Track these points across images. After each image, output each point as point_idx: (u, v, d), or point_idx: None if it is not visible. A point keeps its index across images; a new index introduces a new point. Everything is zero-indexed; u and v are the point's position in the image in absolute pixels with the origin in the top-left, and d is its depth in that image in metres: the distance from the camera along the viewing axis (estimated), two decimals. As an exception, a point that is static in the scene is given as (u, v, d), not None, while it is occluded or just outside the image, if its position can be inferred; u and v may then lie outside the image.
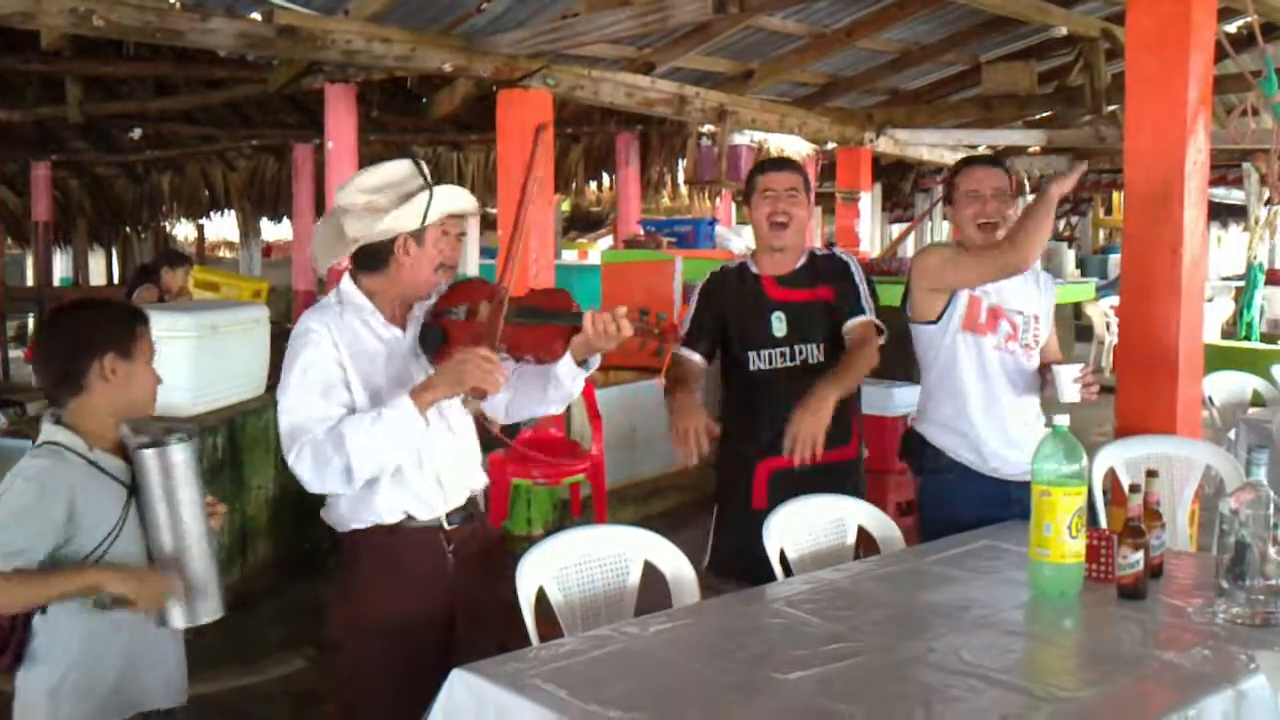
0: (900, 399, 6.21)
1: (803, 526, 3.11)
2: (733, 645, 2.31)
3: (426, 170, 2.56)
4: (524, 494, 6.11)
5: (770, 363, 3.41)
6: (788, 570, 2.97)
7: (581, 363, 2.57)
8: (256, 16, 5.32)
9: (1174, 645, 2.32)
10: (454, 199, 2.55)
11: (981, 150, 11.48)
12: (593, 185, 12.30)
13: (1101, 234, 19.64)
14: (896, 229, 16.72)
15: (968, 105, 9.12)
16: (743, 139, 9.06)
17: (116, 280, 16.23)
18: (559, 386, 2.61)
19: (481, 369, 2.36)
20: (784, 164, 3.59)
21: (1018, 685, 2.13)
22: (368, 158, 10.32)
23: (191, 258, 10.66)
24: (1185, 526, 3.78)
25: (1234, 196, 12.24)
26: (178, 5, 5.08)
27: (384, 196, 2.48)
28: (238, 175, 12.73)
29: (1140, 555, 2.55)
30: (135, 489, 2.25)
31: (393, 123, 10.42)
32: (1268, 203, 9.43)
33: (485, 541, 2.73)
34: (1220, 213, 17.07)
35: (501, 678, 2.09)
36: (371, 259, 2.52)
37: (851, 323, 3.41)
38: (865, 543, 3.25)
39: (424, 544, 2.56)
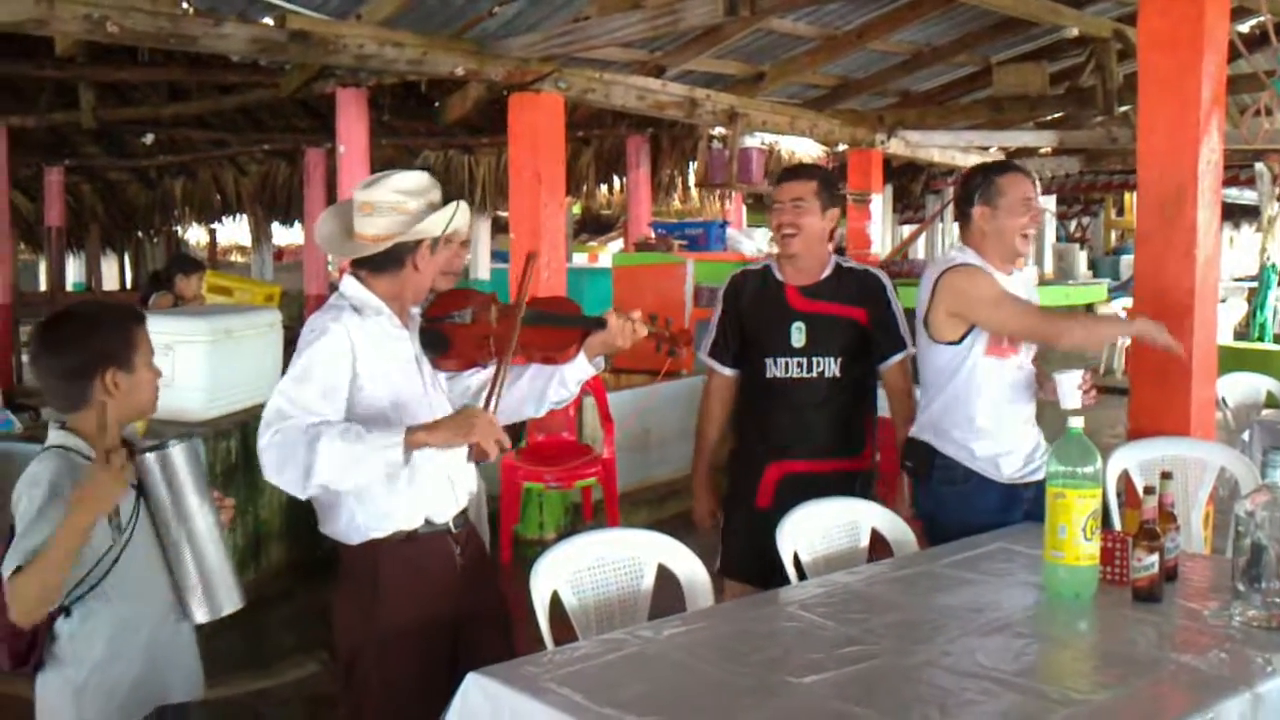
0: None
1: (816, 529, 3.11)
2: (747, 648, 2.31)
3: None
4: (535, 497, 6.12)
5: (786, 371, 3.44)
6: (801, 573, 2.97)
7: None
8: (269, 22, 5.34)
9: (1190, 648, 2.32)
10: (466, 218, 2.61)
11: (994, 152, 11.48)
12: (603, 188, 12.30)
13: (1113, 235, 19.57)
14: (907, 230, 16.69)
15: (979, 107, 9.10)
16: (754, 141, 9.04)
17: (130, 285, 16.31)
18: (563, 386, 2.68)
19: (489, 429, 2.36)
20: (793, 173, 3.60)
21: (1032, 688, 2.12)
22: (379, 161, 10.36)
23: (204, 263, 10.69)
24: (1200, 529, 3.76)
25: (1246, 197, 12.20)
26: (191, 11, 5.10)
27: (414, 201, 2.52)
28: (249, 180, 12.77)
29: (1155, 558, 2.54)
30: (142, 490, 2.26)
31: (404, 127, 10.44)
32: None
33: (479, 543, 2.78)
34: (1232, 213, 17.00)
35: (517, 681, 2.10)
36: (386, 261, 2.53)
37: (892, 361, 3.49)
38: (878, 545, 3.25)
39: (438, 550, 2.58)
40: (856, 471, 3.49)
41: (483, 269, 11.68)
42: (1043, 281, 9.49)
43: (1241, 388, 5.78)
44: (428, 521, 2.55)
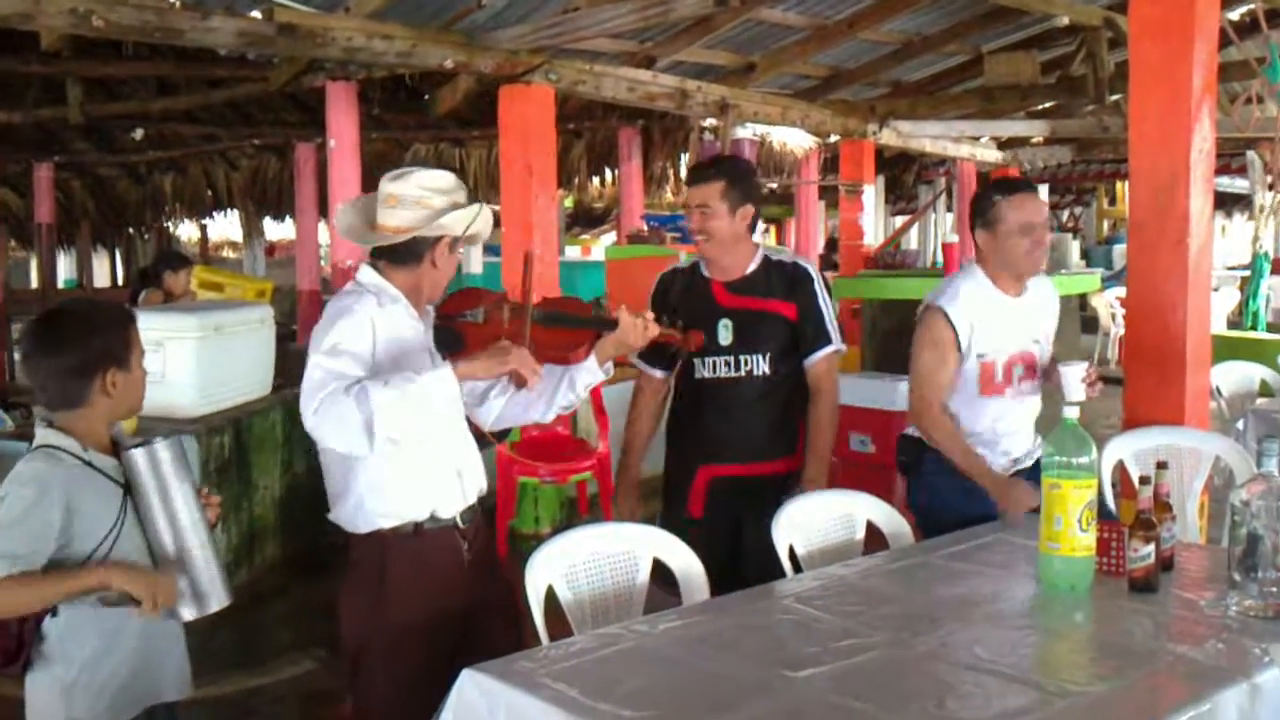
0: (905, 393, 6.19)
1: (812, 522, 3.10)
2: (743, 642, 2.30)
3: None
4: (531, 492, 6.11)
5: (715, 371, 3.31)
6: (797, 566, 2.96)
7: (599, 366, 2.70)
8: (256, 14, 5.31)
9: (1187, 638, 2.31)
10: (488, 222, 2.63)
11: (986, 141, 11.47)
12: (595, 181, 12.27)
13: (1106, 224, 19.60)
14: (899, 221, 16.69)
15: (970, 96, 9.11)
16: (745, 132, 9.04)
17: (121, 282, 16.25)
18: (572, 389, 2.70)
19: (524, 358, 2.45)
20: (697, 175, 3.40)
21: (1030, 680, 2.12)
22: (370, 155, 10.33)
23: (192, 258, 10.66)
24: (1195, 518, 3.76)
25: (1238, 185, 12.21)
26: (177, 4, 5.07)
27: (439, 198, 2.54)
28: (240, 175, 12.72)
29: (1151, 548, 2.53)
30: (129, 487, 2.25)
31: (394, 120, 10.40)
32: (1271, 187, 9.40)
33: (488, 538, 2.79)
34: (1224, 202, 17.03)
35: (512, 677, 2.09)
36: (406, 253, 2.55)
37: (817, 356, 3.31)
38: (874, 538, 3.24)
39: (445, 545, 2.58)
40: (790, 473, 3.34)
41: (475, 263, 11.64)
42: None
43: (1235, 376, 5.78)
44: (434, 517, 2.55)
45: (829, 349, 3.33)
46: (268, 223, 15.63)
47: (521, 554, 2.74)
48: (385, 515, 2.52)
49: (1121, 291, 8.15)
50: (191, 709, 2.47)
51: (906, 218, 16.33)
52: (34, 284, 14.52)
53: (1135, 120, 4.13)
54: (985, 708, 1.98)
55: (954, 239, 9.90)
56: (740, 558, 3.22)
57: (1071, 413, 2.63)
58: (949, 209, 15.45)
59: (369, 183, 8.45)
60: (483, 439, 2.72)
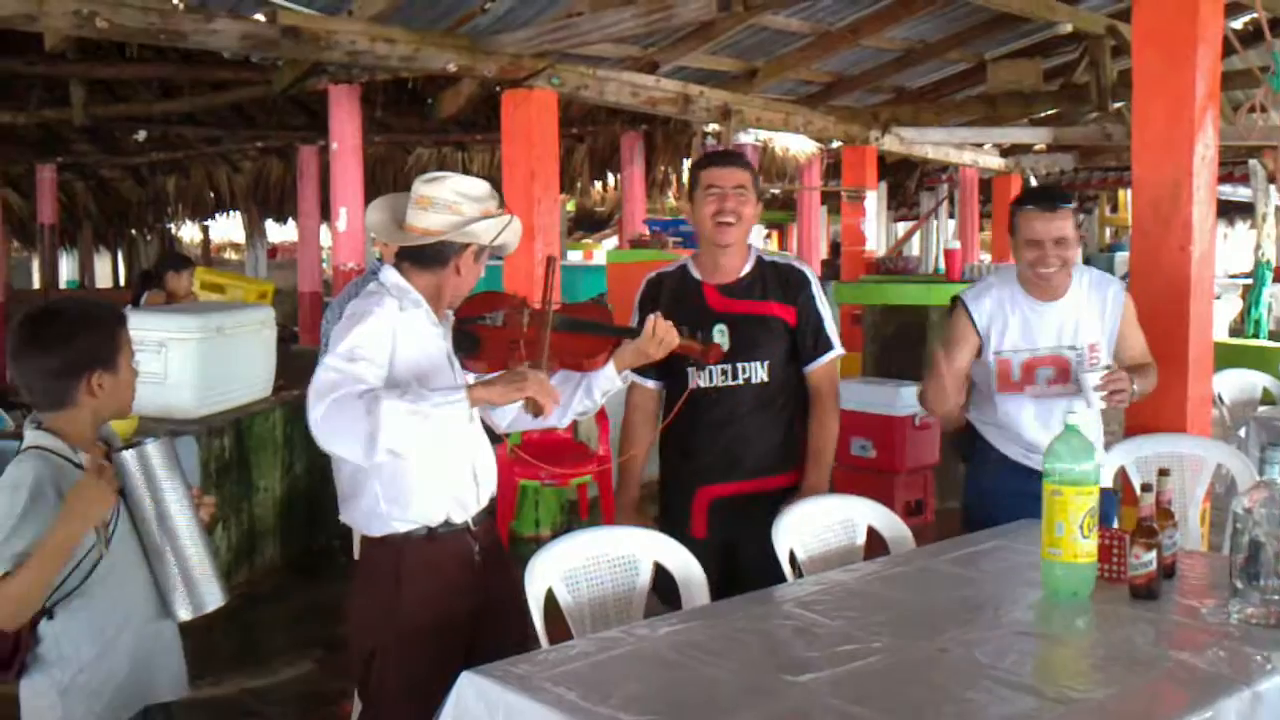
0: (906, 398, 6.19)
1: (812, 527, 3.10)
2: (743, 647, 2.29)
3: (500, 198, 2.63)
4: (531, 495, 6.10)
5: (710, 380, 3.13)
6: (798, 571, 2.95)
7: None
8: (260, 17, 5.32)
9: (1188, 646, 2.30)
10: (517, 234, 2.61)
11: (989, 148, 11.46)
12: (597, 185, 12.30)
13: (1108, 232, 19.58)
14: (902, 227, 16.69)
15: (973, 103, 9.11)
16: (748, 138, 9.04)
17: (123, 283, 16.26)
18: (588, 396, 2.69)
19: (542, 384, 2.39)
20: (731, 158, 3.31)
21: (1030, 686, 2.11)
22: (372, 159, 10.33)
23: (194, 260, 10.66)
24: (1197, 526, 3.76)
25: (1241, 194, 12.20)
26: (181, 6, 5.08)
27: (470, 205, 2.53)
28: (242, 177, 12.74)
29: (1153, 555, 2.52)
30: (121, 489, 2.24)
31: (397, 123, 10.42)
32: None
33: (497, 540, 2.77)
34: (1227, 210, 17.01)
35: (511, 680, 2.08)
36: (431, 257, 2.53)
37: (821, 362, 3.19)
38: (875, 543, 3.23)
39: (458, 549, 2.56)
40: (794, 487, 3.18)
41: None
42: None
43: (1237, 384, 5.78)
44: (447, 522, 2.53)
45: (831, 354, 3.21)
46: (270, 225, 15.65)
47: (521, 557, 2.73)
48: (400, 519, 2.50)
49: (1123, 299, 8.13)
50: (190, 709, 2.46)
51: (909, 224, 16.32)
52: (36, 284, 14.54)
53: (1138, 128, 4.13)
54: (985, 714, 1.97)
55: (956, 245, 9.90)
56: (746, 575, 3.03)
57: (1073, 417, 2.62)
58: (951, 215, 15.45)
59: (371, 186, 8.47)
60: (494, 437, 2.71)
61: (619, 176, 11.19)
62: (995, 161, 12.05)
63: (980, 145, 11.31)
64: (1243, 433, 4.82)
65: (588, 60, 6.78)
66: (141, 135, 11.31)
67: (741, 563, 3.11)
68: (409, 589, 2.50)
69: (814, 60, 8.09)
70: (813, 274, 3.27)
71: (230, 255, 21.13)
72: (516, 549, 5.77)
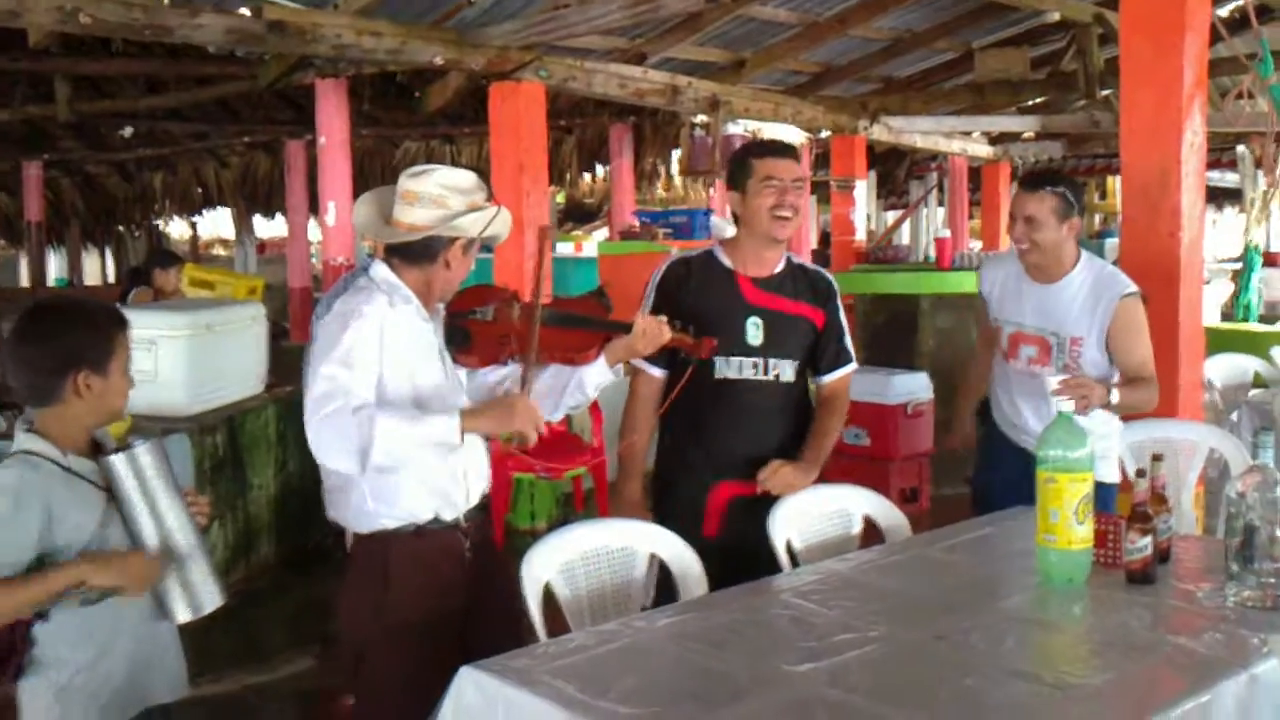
0: (899, 386, 6.20)
1: (808, 517, 3.10)
2: (740, 638, 2.29)
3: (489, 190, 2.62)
4: (526, 488, 6.10)
5: (740, 372, 3.05)
6: (794, 561, 2.95)
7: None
8: (245, 11, 5.29)
9: (1185, 630, 2.31)
10: (507, 225, 2.61)
11: (977, 137, 11.46)
12: (586, 177, 12.29)
13: (1097, 219, 19.64)
14: (891, 216, 16.70)
15: (961, 92, 9.12)
16: (736, 129, 9.02)
17: (112, 280, 16.19)
18: (580, 390, 2.69)
19: (531, 417, 2.46)
20: (789, 150, 3.20)
21: (1028, 672, 2.12)
22: (360, 152, 10.29)
23: (183, 256, 10.61)
24: (1190, 510, 3.77)
25: (1229, 180, 12.23)
26: (166, 1, 5.05)
27: (457, 198, 2.52)
28: (230, 172, 12.69)
29: (1148, 540, 2.53)
30: (112, 492, 2.23)
31: (385, 117, 10.38)
32: (1271, 184, 9.41)
33: (490, 535, 2.77)
34: (1215, 196, 17.05)
35: (510, 674, 2.08)
36: (419, 252, 2.52)
37: (840, 373, 3.19)
38: (870, 532, 3.23)
39: (448, 545, 2.56)
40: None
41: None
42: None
43: (1228, 369, 5.80)
44: (436, 519, 2.53)
45: (850, 368, 3.22)
46: (258, 220, 15.59)
47: (518, 550, 2.73)
48: (388, 516, 2.50)
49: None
50: (190, 707, 2.45)
51: (898, 213, 16.33)
52: (24, 282, 14.47)
53: (1126, 115, 4.14)
54: (984, 700, 1.98)
55: (946, 234, 9.91)
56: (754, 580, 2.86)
57: (1066, 405, 2.63)
58: (940, 204, 15.46)
59: (359, 180, 8.44)
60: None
61: (608, 168, 11.17)
62: (984, 150, 12.06)
63: (969, 134, 11.32)
64: (1235, 417, 4.84)
65: (575, 52, 6.76)
66: (128, 131, 11.26)
67: (750, 567, 2.88)
68: (398, 585, 2.50)
69: (802, 50, 8.09)
70: (837, 285, 3.24)
71: (219, 251, 21.05)
72: (513, 542, 5.76)
